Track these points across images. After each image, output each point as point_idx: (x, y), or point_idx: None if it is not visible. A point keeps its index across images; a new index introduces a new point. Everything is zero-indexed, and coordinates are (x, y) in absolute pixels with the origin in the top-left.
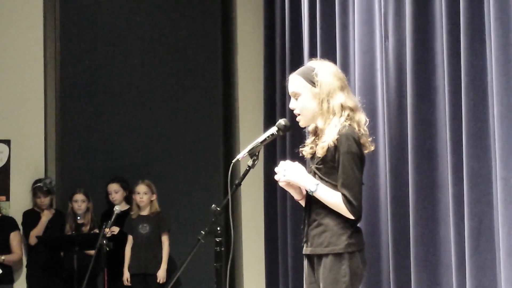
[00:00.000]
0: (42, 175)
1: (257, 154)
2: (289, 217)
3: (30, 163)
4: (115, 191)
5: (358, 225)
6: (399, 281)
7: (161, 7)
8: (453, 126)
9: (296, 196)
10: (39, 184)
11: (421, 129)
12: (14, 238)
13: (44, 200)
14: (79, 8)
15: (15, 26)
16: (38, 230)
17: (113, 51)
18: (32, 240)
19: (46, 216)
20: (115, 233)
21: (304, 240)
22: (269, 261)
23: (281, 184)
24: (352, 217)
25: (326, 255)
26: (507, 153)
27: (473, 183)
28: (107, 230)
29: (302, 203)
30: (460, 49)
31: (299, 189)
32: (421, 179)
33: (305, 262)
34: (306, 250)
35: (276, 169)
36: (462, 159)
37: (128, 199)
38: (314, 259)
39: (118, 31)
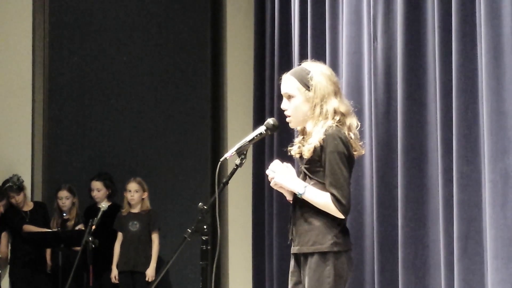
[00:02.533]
0: (28, 170)
1: (245, 153)
2: (276, 216)
3: (16, 158)
4: (98, 189)
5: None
6: (385, 283)
7: (151, 6)
8: (443, 129)
9: (288, 197)
10: (8, 184)
11: (411, 131)
12: (4, 237)
13: (18, 198)
14: (68, 4)
15: (4, 22)
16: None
17: (102, 48)
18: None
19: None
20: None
21: (290, 238)
22: (256, 260)
23: (273, 186)
24: (342, 216)
25: (312, 254)
26: (496, 156)
27: (462, 186)
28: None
29: None
30: (451, 51)
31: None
32: (411, 181)
33: (292, 261)
34: (293, 249)
35: (266, 172)
36: (452, 161)
37: (111, 196)
38: (301, 258)
39: (107, 28)
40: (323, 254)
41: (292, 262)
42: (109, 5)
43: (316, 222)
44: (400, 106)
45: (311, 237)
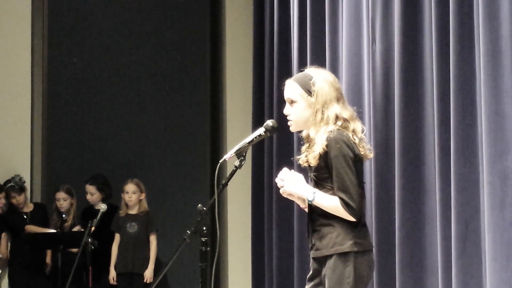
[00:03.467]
0: (28, 172)
1: (244, 154)
2: (275, 218)
3: (16, 159)
4: (91, 193)
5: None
6: (382, 284)
7: (149, 8)
8: (441, 131)
9: (302, 205)
10: (10, 184)
11: (408, 133)
12: (4, 238)
13: (20, 198)
14: (68, 5)
15: (3, 23)
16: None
17: (101, 49)
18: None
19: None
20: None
21: (310, 246)
22: (255, 261)
23: (282, 194)
24: (353, 219)
25: (332, 255)
26: (494, 158)
27: (460, 188)
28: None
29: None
30: (449, 54)
31: (301, 197)
32: (408, 183)
33: (311, 265)
34: (313, 253)
35: (275, 180)
36: (450, 163)
37: (105, 200)
38: (323, 261)
39: (106, 30)
40: (343, 255)
41: (312, 267)
42: (107, 6)
43: (335, 224)
44: (397, 108)
45: (331, 240)
